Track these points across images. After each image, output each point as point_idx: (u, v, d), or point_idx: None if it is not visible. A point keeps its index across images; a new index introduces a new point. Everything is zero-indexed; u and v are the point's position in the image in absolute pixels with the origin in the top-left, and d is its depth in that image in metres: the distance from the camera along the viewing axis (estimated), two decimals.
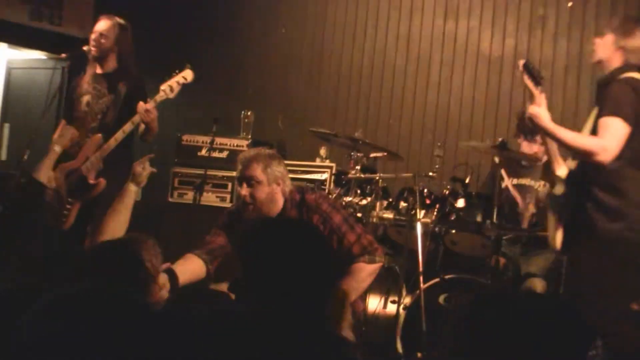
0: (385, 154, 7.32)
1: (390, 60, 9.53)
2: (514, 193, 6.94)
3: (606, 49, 5.52)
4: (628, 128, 5.13)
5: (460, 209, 6.82)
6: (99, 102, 6.91)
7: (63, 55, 7.31)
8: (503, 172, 6.94)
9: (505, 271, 6.80)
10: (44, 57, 11.21)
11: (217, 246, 5.32)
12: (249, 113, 8.50)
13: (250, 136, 8.34)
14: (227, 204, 7.78)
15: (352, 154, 7.25)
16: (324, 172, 7.79)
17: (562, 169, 5.48)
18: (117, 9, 7.52)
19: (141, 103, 6.60)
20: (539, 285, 6.54)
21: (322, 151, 8.14)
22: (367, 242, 5.33)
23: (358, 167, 7.16)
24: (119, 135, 6.62)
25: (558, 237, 5.43)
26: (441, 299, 6.35)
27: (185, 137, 8.38)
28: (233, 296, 5.07)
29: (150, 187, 5.33)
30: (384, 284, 6.64)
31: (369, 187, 7.07)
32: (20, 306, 2.06)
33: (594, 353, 5.57)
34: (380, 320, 6.48)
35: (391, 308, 6.53)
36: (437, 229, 6.83)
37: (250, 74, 10.19)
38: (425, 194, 6.88)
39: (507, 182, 7.00)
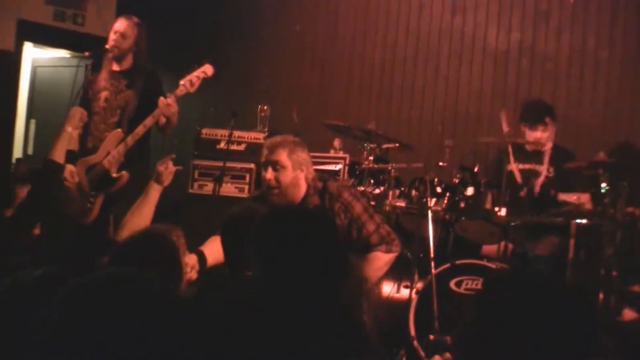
0: (396, 145, 7.32)
1: (400, 54, 9.53)
2: (517, 175, 6.96)
3: None
4: None
5: (469, 197, 6.82)
6: (117, 97, 6.91)
7: (86, 53, 7.31)
8: (510, 154, 6.95)
9: (512, 256, 6.81)
10: (68, 56, 11.23)
11: None
12: (265, 107, 8.49)
13: (266, 129, 8.33)
14: (246, 195, 7.78)
15: (365, 145, 7.25)
16: (338, 162, 7.78)
17: None
18: (138, 9, 7.53)
19: (162, 98, 6.63)
20: (545, 270, 6.54)
21: (336, 143, 8.13)
22: (385, 232, 5.37)
23: (371, 158, 7.16)
24: (140, 129, 6.63)
25: None
26: (452, 283, 6.35)
27: (204, 131, 8.38)
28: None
29: (176, 176, 5.34)
30: (396, 270, 6.62)
31: (381, 176, 7.06)
32: (46, 293, 2.06)
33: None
34: (394, 304, 6.48)
35: (404, 292, 6.52)
36: (447, 217, 6.83)
37: (265, 70, 10.19)
38: (435, 183, 6.87)
39: (513, 166, 7.00)
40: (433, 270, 6.25)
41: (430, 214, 6.51)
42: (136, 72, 7.02)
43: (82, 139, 6.94)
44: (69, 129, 6.00)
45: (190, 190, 8.26)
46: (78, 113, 6.32)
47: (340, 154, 7.97)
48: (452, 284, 6.34)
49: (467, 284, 6.30)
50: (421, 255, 6.61)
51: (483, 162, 7.39)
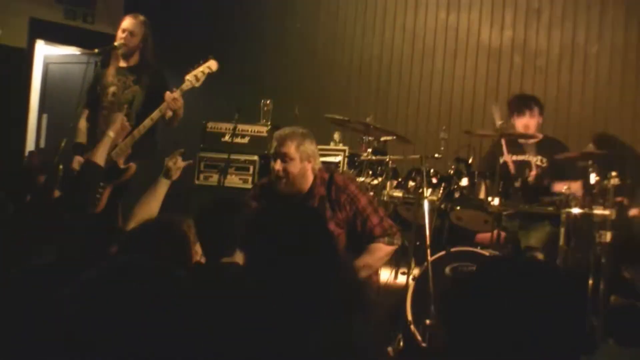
0: (394, 137, 7.31)
1: (397, 51, 9.54)
2: (511, 166, 6.95)
3: None
4: None
5: (463, 187, 6.81)
6: (125, 92, 6.93)
7: (95, 50, 7.31)
8: (504, 145, 6.95)
9: (505, 244, 6.81)
10: (78, 53, 11.20)
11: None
12: (268, 102, 8.47)
13: (269, 123, 8.33)
14: (249, 186, 7.77)
15: (364, 138, 7.26)
16: (338, 154, 7.77)
17: None
18: (145, 8, 7.52)
19: (168, 92, 6.64)
20: (536, 258, 6.54)
21: (336, 136, 8.12)
22: (388, 225, 5.41)
23: (369, 150, 7.16)
24: (147, 122, 6.63)
25: None
26: (447, 270, 6.35)
27: (210, 125, 8.38)
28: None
29: (185, 170, 5.33)
30: (394, 257, 6.63)
31: (379, 168, 7.06)
32: (62, 279, 2.06)
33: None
34: (392, 291, 6.48)
35: (401, 279, 6.53)
36: (442, 206, 6.82)
37: (269, 65, 10.20)
38: (431, 174, 6.87)
39: (507, 158, 6.99)
40: (429, 258, 6.25)
41: (426, 204, 6.51)
42: (143, 68, 7.03)
43: (91, 132, 6.96)
44: (111, 134, 5.99)
45: (197, 182, 8.26)
46: (119, 119, 6.32)
47: (340, 147, 7.97)
48: (447, 271, 6.34)
49: (461, 270, 6.30)
50: (418, 243, 6.61)
51: (477, 154, 7.37)
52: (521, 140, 7.19)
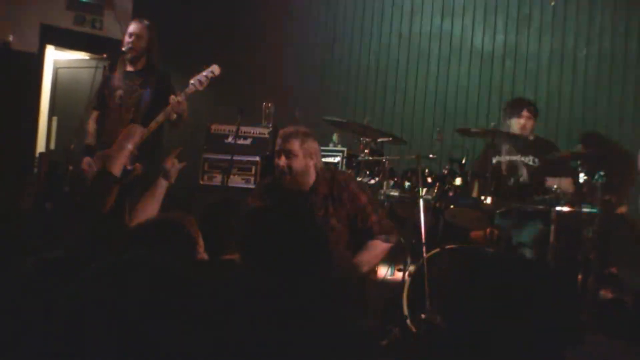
0: (390, 138, 7.30)
1: (393, 55, 9.54)
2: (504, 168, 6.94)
3: None
4: None
5: (457, 187, 6.80)
6: (132, 96, 6.91)
7: (104, 55, 7.32)
8: (504, 147, 6.96)
9: (498, 241, 6.80)
10: (87, 58, 11.20)
11: None
12: (269, 104, 8.48)
13: (271, 125, 8.33)
14: (252, 186, 7.78)
15: (362, 139, 7.25)
16: (336, 155, 7.78)
17: None
18: (151, 15, 7.51)
19: (173, 96, 6.64)
20: (528, 254, 6.54)
21: (335, 137, 8.12)
22: (386, 224, 5.45)
23: (367, 151, 7.16)
24: (153, 125, 6.63)
25: None
26: (442, 266, 6.34)
27: (213, 127, 8.39)
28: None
29: (183, 171, 5.31)
30: (391, 254, 6.62)
31: (376, 168, 7.06)
32: (70, 273, 2.05)
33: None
34: (389, 286, 6.47)
35: (398, 275, 6.53)
36: (437, 205, 6.81)
37: (270, 70, 10.19)
38: (426, 174, 6.87)
39: (502, 158, 6.98)
40: (425, 254, 6.25)
41: (421, 202, 6.49)
42: (149, 72, 7.02)
43: (100, 134, 6.96)
44: (130, 147, 6.00)
45: (201, 182, 8.27)
46: (138, 131, 6.31)
47: (339, 147, 7.97)
48: (442, 267, 6.34)
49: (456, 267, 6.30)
50: (414, 240, 6.61)
51: (470, 154, 7.37)
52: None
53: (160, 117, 6.64)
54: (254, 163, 8.08)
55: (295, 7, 10.33)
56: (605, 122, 8.26)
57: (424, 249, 6.27)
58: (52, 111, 11.36)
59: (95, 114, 7.07)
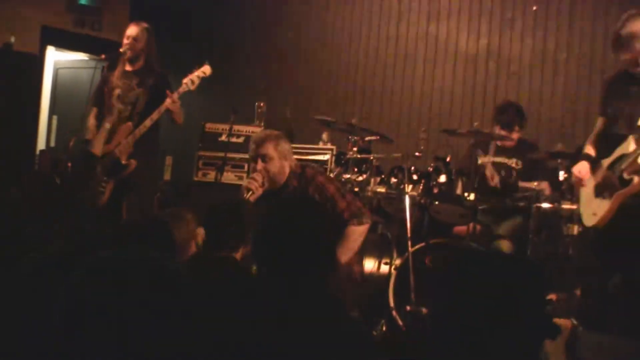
0: (378, 137, 7.30)
1: (381, 57, 9.55)
2: (488, 170, 6.93)
3: None
4: None
5: (442, 184, 6.81)
6: (129, 94, 6.93)
7: (102, 56, 7.31)
8: (492, 147, 6.96)
9: (480, 236, 6.80)
10: (86, 58, 11.21)
11: None
12: (261, 104, 8.49)
13: (262, 124, 8.34)
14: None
15: (350, 137, 7.25)
16: (326, 153, 7.78)
17: None
18: (148, 17, 7.50)
19: (168, 93, 6.69)
20: (505, 245, 6.55)
21: (324, 136, 8.13)
22: (356, 207, 5.42)
23: (355, 149, 7.16)
24: (148, 122, 6.71)
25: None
26: (427, 260, 6.35)
27: (208, 125, 8.40)
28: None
29: (178, 168, 5.33)
30: (378, 248, 6.65)
31: (364, 165, 7.05)
32: (64, 269, 2.03)
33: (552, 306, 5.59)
34: (375, 279, 6.47)
35: (384, 268, 6.53)
36: (422, 201, 6.81)
37: (262, 71, 10.21)
38: (412, 171, 6.88)
39: (485, 159, 6.97)
40: (410, 249, 6.26)
41: (407, 199, 6.51)
42: (147, 72, 7.04)
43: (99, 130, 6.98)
44: (107, 125, 6.08)
45: (195, 178, 8.28)
46: (115, 111, 6.36)
47: (328, 146, 7.97)
48: (427, 261, 6.34)
49: (440, 260, 6.31)
50: (399, 235, 6.62)
51: (455, 152, 7.37)
52: (498, 143, 7.15)
53: (154, 115, 6.72)
54: (247, 160, 8.08)
55: (286, 10, 10.34)
56: (585, 122, 8.27)
57: (409, 243, 6.29)
58: (52, 110, 11.37)
59: (95, 110, 7.07)
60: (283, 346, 2.49)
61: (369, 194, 6.86)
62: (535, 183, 6.42)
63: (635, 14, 5.33)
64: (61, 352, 1.82)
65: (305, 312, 2.60)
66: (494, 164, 7.01)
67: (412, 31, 9.40)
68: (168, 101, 6.65)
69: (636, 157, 5.16)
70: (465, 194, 6.59)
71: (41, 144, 10.98)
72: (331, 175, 7.09)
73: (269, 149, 5.34)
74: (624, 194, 5.18)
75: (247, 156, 7.94)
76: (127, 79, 7.01)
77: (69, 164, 7.52)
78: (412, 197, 6.65)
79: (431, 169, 6.89)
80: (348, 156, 7.19)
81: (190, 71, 6.91)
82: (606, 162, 5.42)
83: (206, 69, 6.94)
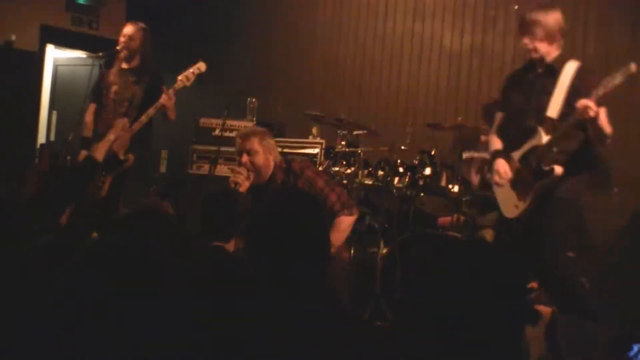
0: (365, 131, 7.31)
1: (369, 54, 9.55)
2: (466, 167, 6.93)
3: None
4: None
5: (427, 176, 6.83)
6: (126, 91, 6.95)
7: (100, 54, 7.32)
8: (483, 140, 6.95)
9: (464, 226, 6.82)
10: (84, 56, 11.18)
11: None
12: (253, 100, 8.50)
13: (255, 119, 8.34)
14: None
15: (339, 132, 7.27)
16: (315, 147, 7.78)
17: None
18: (144, 16, 7.49)
19: (164, 89, 6.70)
20: (488, 234, 6.55)
21: (314, 130, 8.12)
22: (345, 199, 5.46)
23: (343, 143, 7.19)
24: (144, 118, 6.73)
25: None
26: (412, 249, 6.36)
27: (202, 120, 8.41)
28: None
29: (173, 161, 5.32)
30: (365, 238, 6.66)
31: (352, 159, 7.07)
32: (61, 257, 2.02)
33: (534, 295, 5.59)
34: (363, 268, 6.48)
35: (371, 258, 6.54)
36: (408, 193, 6.83)
37: (254, 67, 10.21)
38: (398, 164, 6.89)
39: (468, 155, 6.98)
40: (396, 238, 6.27)
41: (393, 191, 6.52)
42: (143, 70, 7.05)
43: (96, 126, 6.98)
44: (112, 137, 6.07)
45: (190, 171, 8.29)
46: (120, 124, 6.36)
47: (318, 140, 7.97)
48: (412, 250, 6.35)
49: (424, 250, 6.31)
50: (386, 225, 6.63)
51: (439, 146, 7.37)
52: (483, 139, 7.15)
53: (150, 111, 6.74)
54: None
55: (277, 9, 10.33)
56: None
57: (395, 233, 6.30)
58: (52, 105, 11.36)
59: (92, 107, 7.09)
60: (279, 339, 2.47)
61: (357, 186, 6.87)
62: None
63: (546, 7, 5.46)
64: (55, 342, 1.80)
65: (302, 304, 2.59)
66: (475, 159, 6.99)
67: (398, 29, 9.40)
68: (164, 97, 6.68)
69: (551, 147, 5.18)
70: (450, 186, 6.60)
71: (41, 138, 10.96)
72: (320, 168, 7.09)
73: (254, 143, 5.37)
74: (546, 185, 5.20)
75: None
76: (124, 77, 7.02)
77: (68, 158, 7.51)
78: (398, 189, 6.68)
79: (417, 162, 6.90)
80: (337, 150, 7.21)
81: (185, 68, 6.92)
82: (516, 155, 5.42)
83: (201, 66, 6.96)
